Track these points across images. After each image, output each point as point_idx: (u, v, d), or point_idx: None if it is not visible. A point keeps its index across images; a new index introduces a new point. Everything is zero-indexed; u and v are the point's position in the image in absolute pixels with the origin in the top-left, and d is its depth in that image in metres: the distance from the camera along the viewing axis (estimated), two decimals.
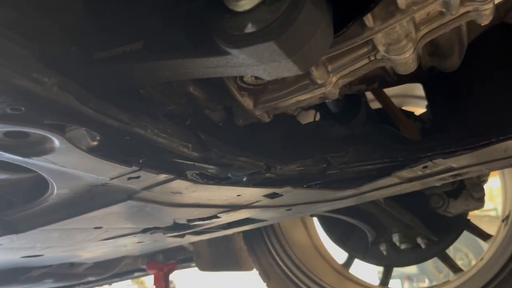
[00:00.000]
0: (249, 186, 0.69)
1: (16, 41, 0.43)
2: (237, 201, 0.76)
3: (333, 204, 1.00)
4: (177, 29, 0.47)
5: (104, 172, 0.51)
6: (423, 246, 1.48)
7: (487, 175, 1.38)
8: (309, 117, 1.21)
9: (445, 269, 1.70)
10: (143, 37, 0.48)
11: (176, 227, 0.87)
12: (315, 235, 1.81)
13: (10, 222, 0.60)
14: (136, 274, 1.87)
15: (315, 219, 1.76)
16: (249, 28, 0.42)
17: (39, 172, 0.50)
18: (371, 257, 1.60)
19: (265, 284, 1.64)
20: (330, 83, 0.62)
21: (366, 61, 0.61)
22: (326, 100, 0.72)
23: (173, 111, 0.61)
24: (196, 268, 1.82)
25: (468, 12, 0.56)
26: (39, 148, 0.45)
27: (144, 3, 0.51)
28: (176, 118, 0.61)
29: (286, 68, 0.44)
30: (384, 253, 1.54)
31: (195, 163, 0.58)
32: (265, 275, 1.63)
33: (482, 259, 1.45)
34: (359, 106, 1.07)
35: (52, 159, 0.46)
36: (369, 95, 1.20)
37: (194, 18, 0.47)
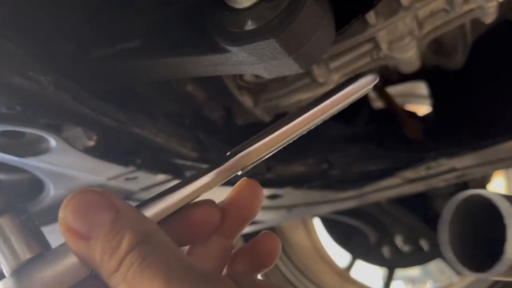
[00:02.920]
0: None
1: (12, 39, 0.42)
2: None
3: (334, 206, 0.99)
4: (175, 26, 0.47)
5: (101, 172, 0.50)
6: (426, 248, 1.47)
7: (491, 175, 1.37)
8: None
9: (448, 271, 1.69)
10: (140, 35, 0.47)
11: None
12: (315, 237, 1.80)
13: None
14: None
15: (316, 221, 1.75)
16: (249, 26, 0.41)
17: (35, 172, 0.49)
18: (374, 258, 1.59)
19: None
20: (331, 82, 0.61)
21: (368, 59, 0.60)
22: None
23: (172, 110, 0.61)
24: None
25: (472, 9, 0.55)
26: (35, 148, 0.44)
27: (142, 1, 0.50)
28: (175, 118, 0.60)
29: (287, 66, 0.44)
30: (387, 254, 1.53)
31: (194, 163, 0.58)
32: (265, 277, 1.62)
33: None
34: (361, 105, 1.06)
35: (48, 159, 0.45)
36: (371, 94, 1.19)
37: (192, 16, 0.46)
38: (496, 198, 0.42)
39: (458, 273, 1.38)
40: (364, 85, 0.30)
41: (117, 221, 0.23)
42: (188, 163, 0.57)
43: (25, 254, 0.25)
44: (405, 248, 1.49)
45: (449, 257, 0.33)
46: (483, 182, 1.34)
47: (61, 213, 0.23)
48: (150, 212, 0.27)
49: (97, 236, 0.23)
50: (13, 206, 0.27)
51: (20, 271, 0.25)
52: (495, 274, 0.30)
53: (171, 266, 0.22)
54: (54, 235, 0.75)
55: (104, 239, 0.22)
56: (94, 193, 0.24)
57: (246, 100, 0.62)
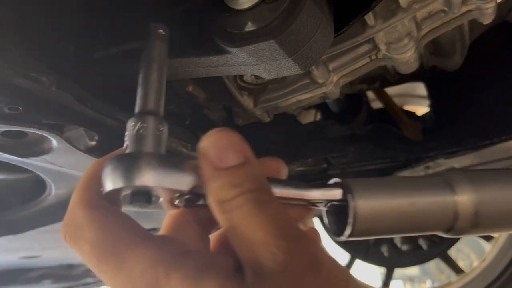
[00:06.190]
0: None
1: (14, 40, 0.42)
2: None
3: None
4: (176, 28, 0.47)
5: None
6: (424, 247, 1.47)
7: None
8: (309, 117, 1.20)
9: (447, 270, 1.69)
10: (142, 37, 0.48)
11: None
12: None
13: (8, 223, 0.60)
14: None
15: (315, 220, 1.75)
16: (249, 27, 0.41)
17: (37, 172, 0.49)
18: (373, 258, 1.60)
19: None
20: (330, 83, 0.61)
21: (367, 60, 0.61)
22: (327, 100, 0.71)
23: (173, 110, 0.61)
24: None
25: (470, 10, 0.55)
26: (37, 148, 0.44)
27: (143, 2, 0.50)
28: (176, 118, 0.60)
29: (287, 67, 0.44)
30: (386, 254, 1.54)
31: None
32: None
33: (484, 260, 1.45)
34: (360, 105, 1.06)
35: (50, 159, 0.46)
36: (370, 94, 1.20)
37: (193, 17, 0.46)
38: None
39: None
40: (331, 196, 0.34)
41: (245, 166, 0.28)
42: None
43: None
44: (404, 247, 1.49)
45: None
46: None
47: (204, 142, 0.29)
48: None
49: (224, 169, 0.27)
50: None
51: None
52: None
53: (280, 220, 0.26)
54: (54, 234, 0.76)
55: (231, 173, 0.27)
56: (234, 136, 0.29)
57: (246, 101, 0.62)
